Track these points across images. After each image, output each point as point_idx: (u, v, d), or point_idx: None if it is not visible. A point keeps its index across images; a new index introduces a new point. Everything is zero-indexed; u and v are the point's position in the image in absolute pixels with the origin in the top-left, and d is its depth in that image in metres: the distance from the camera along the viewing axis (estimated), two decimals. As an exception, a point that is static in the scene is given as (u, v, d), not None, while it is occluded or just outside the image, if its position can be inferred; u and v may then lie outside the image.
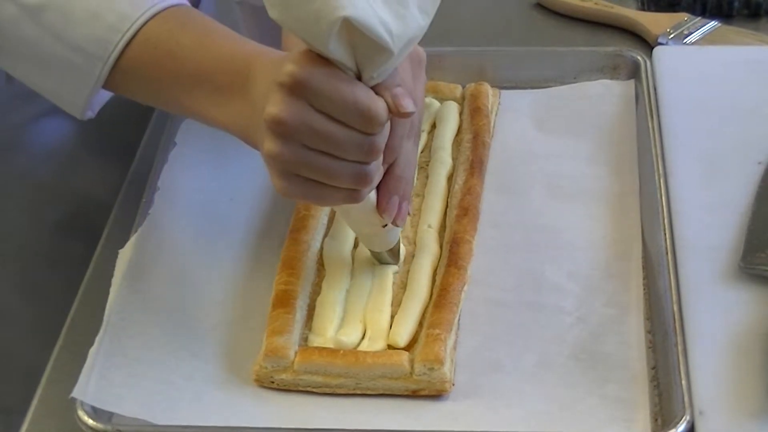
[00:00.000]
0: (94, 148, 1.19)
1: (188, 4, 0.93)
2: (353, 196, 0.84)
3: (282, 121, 0.79)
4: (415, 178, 0.95)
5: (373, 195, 0.88)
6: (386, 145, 0.84)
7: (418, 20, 0.80)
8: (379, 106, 0.80)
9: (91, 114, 0.95)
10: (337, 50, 0.77)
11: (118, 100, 1.13)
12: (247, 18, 1.12)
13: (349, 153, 0.81)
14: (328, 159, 0.81)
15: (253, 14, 0.85)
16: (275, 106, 0.79)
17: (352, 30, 0.76)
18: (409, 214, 0.91)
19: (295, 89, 0.79)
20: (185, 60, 0.88)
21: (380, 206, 0.89)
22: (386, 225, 0.90)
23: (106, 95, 0.95)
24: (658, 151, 1.04)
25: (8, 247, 1.17)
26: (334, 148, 0.81)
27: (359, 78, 0.80)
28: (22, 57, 0.92)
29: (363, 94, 0.79)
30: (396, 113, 0.81)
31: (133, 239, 0.98)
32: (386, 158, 0.86)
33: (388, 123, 0.83)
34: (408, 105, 0.81)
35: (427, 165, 1.06)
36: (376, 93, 0.80)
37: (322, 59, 0.79)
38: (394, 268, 0.95)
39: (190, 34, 0.89)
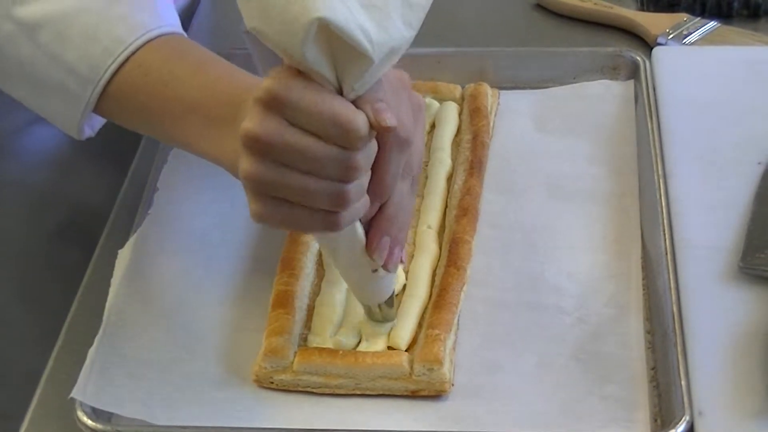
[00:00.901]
0: (92, 151, 1.18)
1: (184, 34, 0.92)
2: (332, 220, 0.79)
3: (257, 137, 0.76)
4: (409, 226, 0.89)
5: (362, 234, 0.84)
6: (378, 181, 0.81)
7: (402, 31, 0.76)
8: (358, 119, 0.76)
9: (90, 133, 0.94)
10: (314, 58, 0.74)
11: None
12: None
13: (328, 169, 0.77)
14: (304, 177, 0.77)
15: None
16: (250, 121, 0.76)
17: (331, 36, 0.73)
18: (402, 261, 0.87)
19: (272, 104, 0.76)
20: (177, 89, 0.86)
21: (369, 246, 0.84)
22: (377, 270, 0.86)
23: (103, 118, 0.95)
24: (658, 152, 1.04)
25: (6, 251, 1.17)
26: (311, 163, 0.77)
27: (340, 92, 0.77)
28: (18, 76, 0.91)
29: (342, 107, 0.76)
30: (377, 127, 0.77)
31: (132, 240, 0.98)
32: (377, 195, 0.82)
33: (374, 146, 0.79)
34: (390, 119, 0.77)
35: (427, 165, 1.06)
36: (357, 107, 0.77)
37: (300, 74, 0.76)
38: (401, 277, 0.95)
39: (184, 63, 0.87)
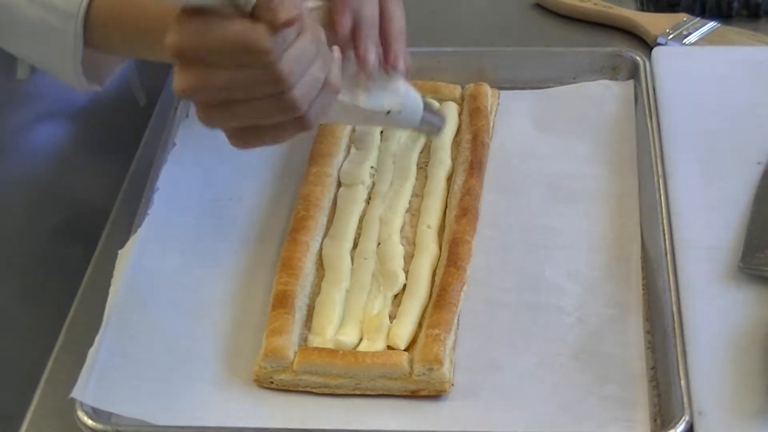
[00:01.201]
0: (92, 150, 1.19)
1: None
2: (301, 123, 0.81)
3: (185, 90, 0.78)
4: (403, 40, 0.91)
5: (349, 96, 0.86)
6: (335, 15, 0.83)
7: None
8: (255, 33, 0.75)
9: (97, 87, 0.95)
10: None
11: (118, 101, 1.13)
12: None
13: (261, 90, 0.77)
14: (246, 106, 0.78)
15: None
16: (176, 80, 0.78)
17: None
18: (407, 65, 0.89)
19: (183, 59, 0.77)
20: (151, 13, 0.87)
21: (359, 61, 0.87)
22: (389, 111, 0.89)
23: (111, 66, 0.95)
24: (658, 152, 1.04)
25: (7, 250, 1.17)
26: (246, 92, 0.78)
27: (237, 9, 0.75)
28: (8, 28, 0.92)
29: (235, 29, 0.75)
30: (279, 26, 0.75)
31: (132, 239, 0.98)
32: (340, 27, 0.84)
33: (306, 36, 0.79)
34: (285, 12, 0.75)
35: (427, 165, 1.06)
36: (258, 17, 0.75)
37: (194, 14, 0.75)
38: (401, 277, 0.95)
39: None
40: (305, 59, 0.79)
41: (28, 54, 0.95)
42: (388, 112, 0.90)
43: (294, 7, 0.76)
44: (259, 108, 0.79)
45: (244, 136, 0.82)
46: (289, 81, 0.78)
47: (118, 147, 1.15)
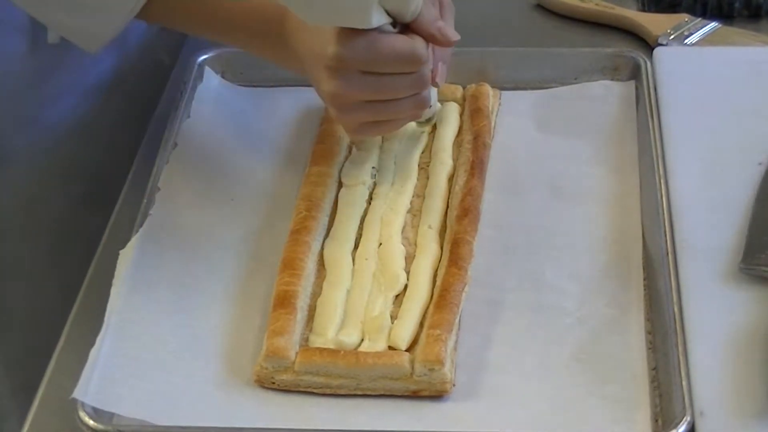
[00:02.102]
0: (94, 150, 1.19)
1: None
2: (415, 116, 0.98)
3: (338, 95, 0.91)
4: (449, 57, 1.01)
5: None
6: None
7: None
8: (417, 46, 0.91)
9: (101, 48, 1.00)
10: (377, 19, 0.88)
11: (118, 102, 1.13)
12: None
13: (406, 92, 0.93)
14: (388, 105, 0.93)
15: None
16: (329, 85, 0.91)
17: None
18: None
19: (342, 68, 0.90)
20: (216, 8, 0.97)
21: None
22: (429, 119, 1.07)
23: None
24: (659, 152, 1.04)
25: (8, 249, 1.17)
26: (392, 94, 0.93)
27: (394, 25, 0.90)
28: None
29: (401, 44, 0.90)
30: (445, 43, 0.92)
31: (134, 240, 0.98)
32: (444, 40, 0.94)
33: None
34: (454, 34, 0.93)
35: (428, 166, 1.06)
36: (414, 31, 0.91)
37: (357, 31, 0.88)
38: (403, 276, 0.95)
39: None
40: (429, 70, 0.95)
41: (64, 22, 0.99)
42: (429, 119, 1.07)
43: (456, 33, 0.94)
44: (400, 104, 0.94)
45: (374, 129, 0.97)
46: (428, 82, 0.94)
47: (119, 146, 1.15)
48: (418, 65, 0.92)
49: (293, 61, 0.97)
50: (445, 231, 0.99)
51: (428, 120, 1.09)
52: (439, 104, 1.09)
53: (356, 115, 0.94)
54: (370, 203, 1.03)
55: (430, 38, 0.92)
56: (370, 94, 0.92)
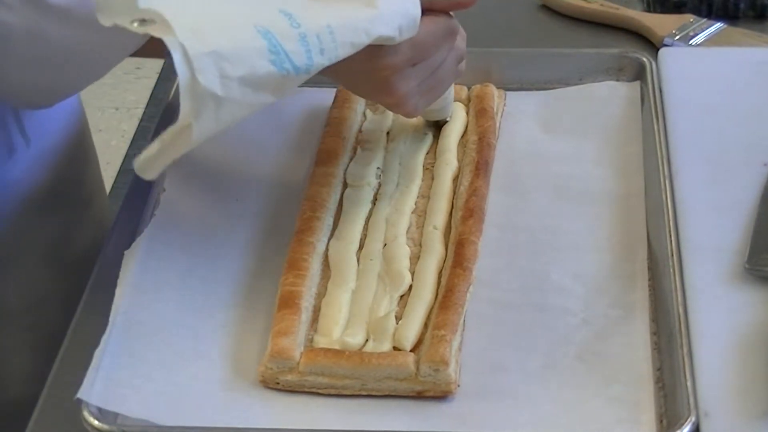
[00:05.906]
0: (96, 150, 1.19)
1: None
2: (460, 71, 1.04)
3: (403, 96, 0.96)
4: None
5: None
6: None
7: None
8: (452, 20, 0.98)
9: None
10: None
11: (119, 103, 1.13)
12: None
13: (450, 57, 0.99)
14: (436, 75, 0.99)
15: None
16: (393, 95, 0.95)
17: None
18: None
19: (397, 72, 0.94)
20: None
21: None
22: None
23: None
24: (664, 153, 1.04)
25: (11, 249, 1.17)
26: (440, 68, 0.99)
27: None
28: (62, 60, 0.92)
29: (435, 27, 0.95)
30: (469, 3, 0.98)
31: (138, 240, 0.98)
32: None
33: None
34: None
35: (433, 166, 1.06)
36: (435, 9, 0.95)
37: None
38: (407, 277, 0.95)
39: None
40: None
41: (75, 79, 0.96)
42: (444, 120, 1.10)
43: None
44: (445, 69, 0.99)
45: (426, 101, 1.00)
46: (463, 37, 1.02)
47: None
48: (457, 34, 0.98)
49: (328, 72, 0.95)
50: (450, 231, 0.99)
51: (444, 120, 1.10)
52: (453, 105, 1.10)
53: (416, 100, 0.98)
54: (375, 204, 1.03)
55: (453, 6, 0.97)
56: (426, 78, 0.97)
